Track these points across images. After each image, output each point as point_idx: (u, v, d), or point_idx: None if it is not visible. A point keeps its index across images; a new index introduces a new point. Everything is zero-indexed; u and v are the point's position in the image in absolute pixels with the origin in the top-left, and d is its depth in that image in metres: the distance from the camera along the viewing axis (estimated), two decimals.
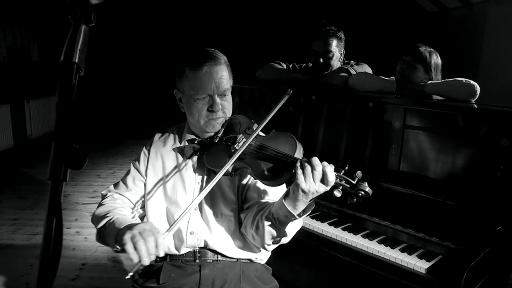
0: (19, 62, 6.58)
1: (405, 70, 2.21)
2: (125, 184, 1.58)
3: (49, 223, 0.60)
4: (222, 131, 1.47)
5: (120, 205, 1.53)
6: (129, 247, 1.14)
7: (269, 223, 1.30)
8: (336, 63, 2.57)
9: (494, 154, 1.66)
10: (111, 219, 1.40)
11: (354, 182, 1.21)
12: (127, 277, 1.15)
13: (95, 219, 1.49)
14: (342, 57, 2.63)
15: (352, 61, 2.63)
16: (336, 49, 2.54)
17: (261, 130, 1.45)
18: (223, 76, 1.43)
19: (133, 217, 1.54)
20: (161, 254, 1.18)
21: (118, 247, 1.26)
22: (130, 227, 1.22)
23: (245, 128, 1.46)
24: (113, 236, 1.28)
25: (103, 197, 1.60)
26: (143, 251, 1.13)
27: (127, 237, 1.16)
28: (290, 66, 2.71)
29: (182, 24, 8.14)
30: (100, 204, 1.56)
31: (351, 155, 2.06)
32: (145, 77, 8.45)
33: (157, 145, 1.59)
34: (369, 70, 2.56)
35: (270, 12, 7.35)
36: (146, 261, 1.13)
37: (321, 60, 2.52)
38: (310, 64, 2.71)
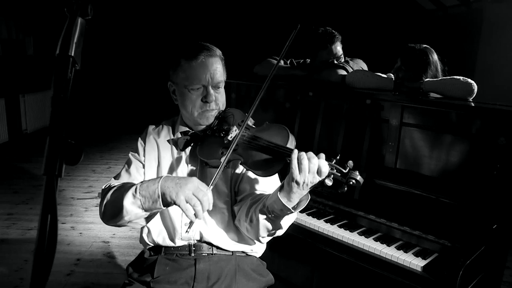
0: (14, 56, 6.53)
1: (399, 74, 2.22)
2: (129, 172, 1.53)
3: (43, 219, 0.59)
4: (216, 123, 1.48)
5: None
6: (189, 211, 1.20)
7: (264, 216, 1.30)
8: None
9: (491, 152, 1.66)
10: (136, 187, 1.29)
11: (345, 171, 1.22)
12: (185, 233, 1.30)
13: (111, 204, 1.36)
14: None
15: (346, 57, 2.63)
16: (341, 50, 2.55)
17: (254, 124, 1.46)
18: (218, 68, 1.45)
19: None
20: (211, 208, 1.24)
21: (163, 206, 1.26)
22: (176, 184, 1.23)
23: (238, 121, 1.47)
24: (155, 199, 1.24)
25: (103, 190, 1.50)
26: (200, 212, 1.20)
27: (182, 200, 1.20)
28: (288, 62, 2.70)
29: (178, 20, 8.09)
30: (104, 194, 1.42)
31: (348, 152, 2.06)
32: (140, 73, 8.41)
33: (152, 137, 1.59)
34: (364, 65, 2.55)
35: (267, 7, 7.32)
36: (201, 219, 1.26)
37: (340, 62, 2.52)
38: (308, 60, 2.70)
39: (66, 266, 2.99)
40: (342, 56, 2.55)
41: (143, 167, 1.55)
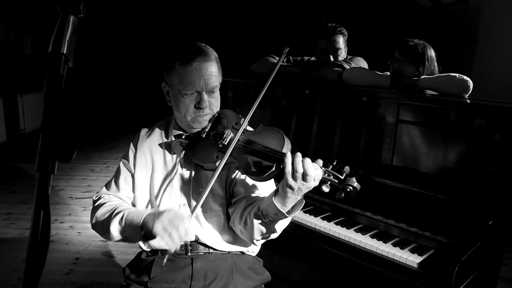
0: (11, 56, 6.52)
1: (394, 64, 2.23)
2: (117, 185, 1.56)
3: (36, 216, 0.60)
4: (210, 126, 1.47)
5: (116, 201, 1.51)
6: (166, 238, 1.21)
7: (259, 220, 1.30)
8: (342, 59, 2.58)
9: (486, 149, 1.67)
10: (122, 216, 1.38)
11: (342, 177, 1.21)
12: (163, 265, 1.29)
13: (100, 224, 1.46)
14: (345, 53, 2.63)
15: (348, 55, 2.63)
16: (343, 46, 2.55)
17: (249, 125, 1.45)
18: (213, 72, 1.42)
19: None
20: (191, 238, 1.30)
21: (145, 240, 1.32)
22: (155, 216, 1.26)
23: (232, 123, 1.46)
24: (137, 230, 1.31)
25: (94, 202, 1.57)
26: (177, 240, 1.21)
27: (159, 229, 1.22)
28: (285, 59, 2.70)
29: (175, 17, 8.09)
30: (94, 209, 1.51)
31: (345, 149, 2.06)
32: (139, 72, 8.40)
33: (144, 141, 1.58)
34: (364, 64, 2.56)
35: (264, 5, 7.32)
36: (179, 247, 1.24)
37: (331, 58, 2.51)
38: (306, 58, 2.71)
39: (65, 265, 3.00)
40: (343, 51, 2.55)
41: (132, 175, 1.55)
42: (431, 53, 2.24)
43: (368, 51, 3.01)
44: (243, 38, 7.22)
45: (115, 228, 1.38)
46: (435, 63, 2.27)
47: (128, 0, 7.99)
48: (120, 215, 1.38)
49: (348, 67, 2.39)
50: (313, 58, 2.70)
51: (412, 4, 6.28)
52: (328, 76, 2.36)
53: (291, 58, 2.72)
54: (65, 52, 0.66)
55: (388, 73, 2.27)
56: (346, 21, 2.78)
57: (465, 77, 1.94)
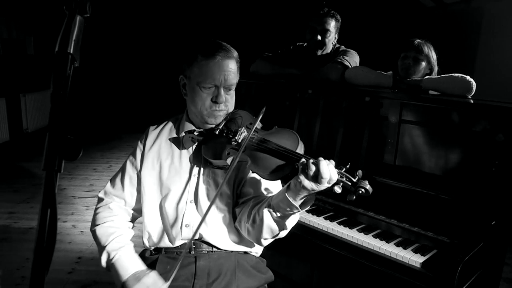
0: (14, 55, 6.53)
1: (411, 65, 2.24)
2: (122, 184, 1.58)
3: (43, 214, 0.60)
4: (224, 123, 1.48)
5: (117, 223, 1.54)
6: None
7: (269, 217, 1.31)
8: (330, 45, 2.58)
9: (489, 149, 1.67)
10: (113, 256, 1.43)
11: (355, 180, 1.22)
12: None
13: (96, 241, 1.52)
14: (335, 41, 2.63)
15: (342, 46, 2.63)
16: (333, 30, 2.56)
17: (263, 127, 1.47)
18: (232, 69, 1.46)
19: (132, 228, 1.60)
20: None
21: None
22: (135, 278, 1.36)
23: (247, 123, 1.47)
24: (119, 283, 1.39)
25: (99, 201, 1.60)
26: None
27: None
28: (279, 52, 2.72)
29: (177, 18, 8.09)
30: (97, 218, 1.55)
31: (347, 149, 2.06)
32: (141, 71, 8.41)
33: (152, 138, 1.59)
34: (357, 58, 2.56)
35: (264, 6, 7.32)
36: None
37: (319, 37, 2.52)
38: (298, 44, 2.72)
39: (68, 264, 3.00)
40: (332, 34, 2.55)
41: (138, 174, 1.56)
42: (433, 51, 2.27)
43: (370, 50, 3.01)
44: (244, 39, 7.23)
45: (104, 260, 1.45)
46: (436, 61, 2.29)
47: (130, 1, 8.00)
48: (111, 254, 1.43)
49: (349, 65, 2.39)
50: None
51: (415, 4, 6.27)
52: (330, 77, 2.36)
53: (284, 49, 2.74)
54: (71, 51, 0.66)
55: (391, 73, 2.27)
56: (347, 21, 2.79)
57: (468, 77, 1.94)
